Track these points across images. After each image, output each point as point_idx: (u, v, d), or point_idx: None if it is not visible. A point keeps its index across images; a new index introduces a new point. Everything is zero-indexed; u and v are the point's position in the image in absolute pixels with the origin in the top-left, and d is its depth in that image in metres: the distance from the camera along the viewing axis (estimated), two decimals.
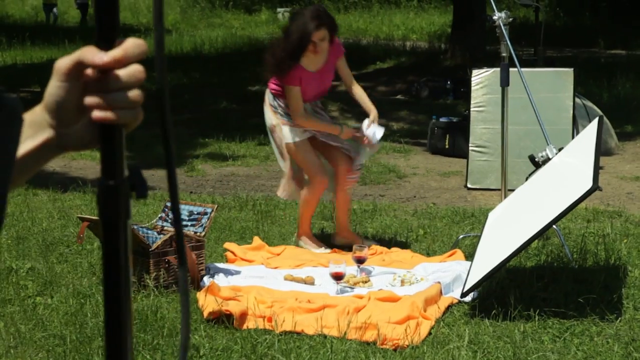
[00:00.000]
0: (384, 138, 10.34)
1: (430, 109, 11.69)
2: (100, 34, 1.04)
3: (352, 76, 6.00)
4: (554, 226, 5.50)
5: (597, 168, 4.50)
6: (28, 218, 6.43)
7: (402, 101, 13.25)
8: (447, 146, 9.42)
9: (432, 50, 18.41)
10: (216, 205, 5.26)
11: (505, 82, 5.84)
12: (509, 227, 5.04)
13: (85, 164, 9.04)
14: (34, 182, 7.80)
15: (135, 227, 4.88)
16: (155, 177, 8.25)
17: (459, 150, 9.01)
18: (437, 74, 14.34)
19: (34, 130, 1.14)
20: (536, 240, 5.69)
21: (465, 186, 7.98)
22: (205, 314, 4.38)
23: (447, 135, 9.44)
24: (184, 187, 8.05)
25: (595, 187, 4.32)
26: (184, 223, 5.17)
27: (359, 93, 6.00)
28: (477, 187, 7.92)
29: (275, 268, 5.44)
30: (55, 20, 27.29)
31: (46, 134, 1.13)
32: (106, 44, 1.04)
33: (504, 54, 5.83)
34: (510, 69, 5.94)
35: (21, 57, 18.85)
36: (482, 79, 7.98)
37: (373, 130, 5.73)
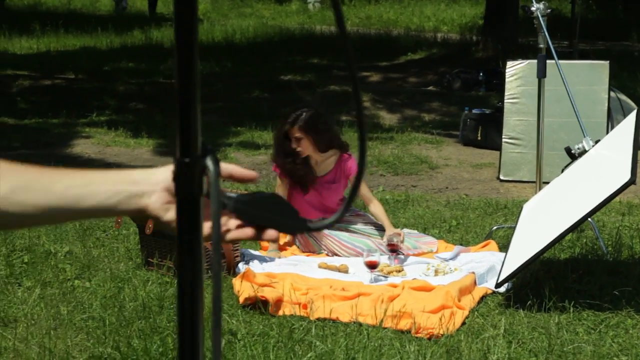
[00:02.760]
0: (416, 129, 10.40)
1: (462, 101, 11.67)
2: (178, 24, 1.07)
3: (371, 194, 5.83)
4: (588, 219, 5.49)
5: (635, 161, 4.49)
6: None
7: (434, 92, 13.22)
8: (479, 138, 9.40)
9: (463, 42, 18.33)
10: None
11: (542, 73, 5.83)
12: (544, 219, 5.04)
13: (120, 150, 9.12)
14: (69, 167, 7.88)
15: None
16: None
17: (492, 142, 8.99)
18: (468, 65, 14.29)
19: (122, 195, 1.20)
20: (570, 233, 5.68)
21: (498, 178, 7.97)
22: (241, 299, 4.42)
23: (480, 127, 9.42)
24: None
25: (632, 180, 4.31)
26: None
27: (376, 212, 5.69)
28: (510, 179, 7.91)
29: (309, 255, 5.48)
30: (123, 11, 27.27)
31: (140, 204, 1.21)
32: (185, 33, 1.07)
33: (541, 46, 5.80)
34: (548, 62, 5.92)
35: (55, 45, 18.98)
36: (516, 70, 7.95)
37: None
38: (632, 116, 5.10)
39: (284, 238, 5.74)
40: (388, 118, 11.40)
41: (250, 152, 9.10)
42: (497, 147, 8.18)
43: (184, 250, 1.11)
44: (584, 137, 5.42)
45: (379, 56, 16.95)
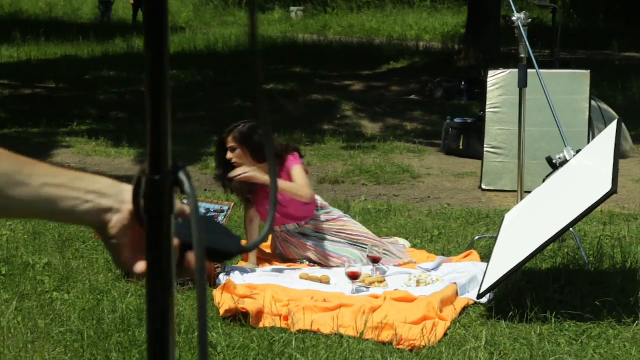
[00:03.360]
0: (399, 138, 10.40)
1: (444, 110, 11.69)
2: (148, 34, 1.05)
3: (305, 186, 5.43)
4: (570, 229, 5.49)
5: (616, 171, 4.49)
6: None
7: (416, 101, 13.25)
8: (461, 147, 9.41)
9: (445, 51, 18.39)
10: (233, 203, 5.26)
11: (523, 83, 5.83)
12: (525, 229, 5.03)
13: (101, 160, 9.07)
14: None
15: None
16: None
17: (474, 151, 8.99)
18: (450, 74, 14.34)
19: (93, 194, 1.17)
20: (552, 243, 5.68)
21: (480, 187, 7.97)
22: (222, 311, 4.39)
23: (462, 136, 9.43)
24: (198, 184, 8.05)
25: (614, 190, 4.30)
26: None
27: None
28: (492, 188, 7.91)
29: (290, 266, 5.45)
30: (108, 19, 27.08)
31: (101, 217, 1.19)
32: (155, 46, 1.05)
33: (522, 55, 5.81)
34: (527, 71, 5.92)
35: (35, 53, 18.89)
36: (498, 79, 7.96)
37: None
38: (612, 126, 5.10)
39: (267, 248, 5.71)
40: (370, 127, 11.40)
41: None
42: (479, 156, 8.18)
43: (153, 271, 1.08)
44: (565, 146, 5.42)
45: (361, 65, 16.99)
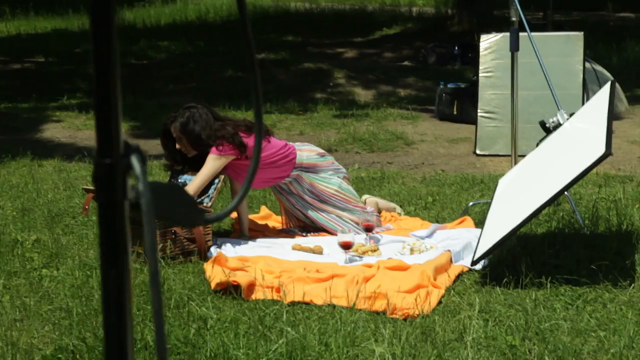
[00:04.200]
0: (392, 105, 10.30)
1: (437, 75, 11.59)
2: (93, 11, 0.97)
3: (197, 177, 5.24)
4: (565, 192, 5.43)
5: (609, 133, 4.42)
6: (33, 189, 6.37)
7: (409, 67, 13.13)
8: (455, 112, 9.33)
9: (438, 16, 18.23)
10: (222, 176, 5.18)
11: (515, 46, 5.74)
12: (519, 194, 4.97)
13: (91, 134, 8.96)
14: (39, 152, 7.75)
15: None
16: (161, 146, 8.16)
17: (467, 116, 8.92)
18: (444, 39, 14.21)
19: None
20: (546, 207, 5.62)
21: (474, 152, 7.90)
22: (213, 285, 4.33)
23: (455, 102, 9.34)
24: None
25: (608, 153, 4.24)
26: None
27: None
28: (486, 153, 7.84)
29: (283, 237, 5.40)
30: None
31: None
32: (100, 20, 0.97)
33: (513, 19, 5.72)
34: (520, 34, 5.83)
35: (25, 28, 18.72)
36: (490, 44, 7.87)
37: None
38: (606, 87, 5.03)
39: (260, 219, 5.64)
40: (363, 94, 11.30)
41: None
42: (473, 121, 8.11)
43: (108, 259, 1.01)
44: (559, 110, 5.34)
45: (354, 32, 16.84)
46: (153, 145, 8.37)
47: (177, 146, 5.28)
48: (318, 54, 14.58)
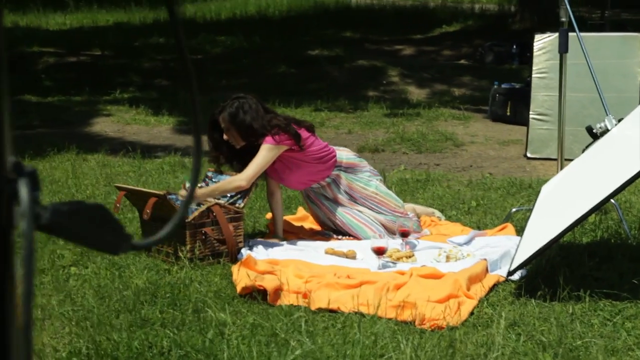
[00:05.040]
0: (444, 104, 10.11)
1: (494, 75, 11.36)
2: None
3: (250, 167, 5.11)
4: (612, 200, 5.22)
5: None
6: (73, 184, 6.36)
7: (465, 66, 12.91)
8: (508, 113, 9.11)
9: (501, 13, 17.93)
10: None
11: (563, 48, 5.55)
12: (561, 202, 4.78)
13: (139, 128, 8.98)
14: (85, 146, 7.76)
15: (172, 197, 4.76)
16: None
17: (521, 117, 8.70)
18: (505, 38, 13.94)
19: None
20: (594, 215, 5.42)
21: (525, 155, 7.69)
22: (239, 289, 4.23)
23: (509, 102, 9.13)
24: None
25: None
26: (224, 194, 5.03)
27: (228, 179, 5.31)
28: (537, 156, 7.63)
29: (318, 239, 5.29)
30: None
31: None
32: None
33: (563, 19, 5.52)
34: (572, 34, 5.63)
35: (87, 20, 18.92)
36: (544, 43, 7.66)
37: None
38: None
39: (296, 221, 5.54)
40: (416, 93, 11.13)
41: None
42: (526, 123, 7.90)
43: None
44: (607, 115, 5.13)
45: (414, 29, 16.64)
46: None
47: (225, 137, 5.18)
48: (375, 50, 14.43)
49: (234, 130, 5.10)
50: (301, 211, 5.77)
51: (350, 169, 5.38)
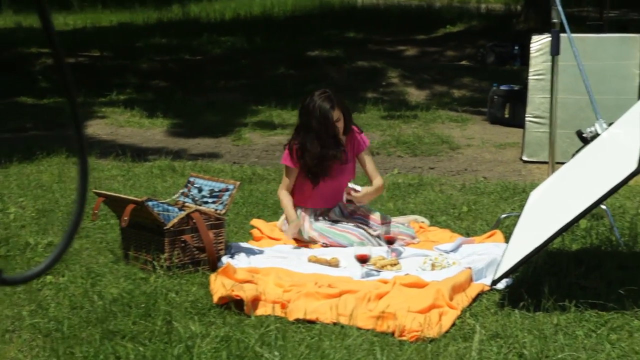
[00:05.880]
0: (443, 106, 9.99)
1: (494, 76, 11.23)
2: None
3: (377, 171, 5.39)
4: (602, 206, 5.11)
5: None
6: (58, 189, 6.27)
7: (467, 67, 12.78)
8: (506, 115, 8.99)
9: (507, 14, 17.78)
10: (238, 182, 4.99)
11: (555, 50, 5.42)
12: (550, 208, 4.67)
13: (133, 131, 8.89)
14: (75, 149, 7.68)
15: (150, 203, 4.66)
16: (200, 145, 8.05)
17: (519, 119, 8.56)
18: (508, 38, 13.80)
19: None
20: (585, 221, 5.30)
21: (521, 159, 7.57)
22: (215, 299, 4.13)
23: (507, 104, 9.00)
24: (229, 156, 7.83)
25: (638, 171, 3.92)
26: (205, 200, 4.94)
27: (375, 183, 5.33)
28: (534, 160, 7.51)
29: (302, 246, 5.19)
30: None
31: None
32: None
33: (555, 20, 5.40)
34: (574, 35, 5.52)
35: (92, 21, 18.86)
36: (542, 45, 7.53)
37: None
38: None
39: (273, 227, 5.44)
40: (416, 95, 11.02)
41: (265, 132, 8.81)
42: (524, 125, 7.78)
43: None
44: (597, 119, 5.01)
45: (418, 29, 16.50)
46: (193, 145, 8.27)
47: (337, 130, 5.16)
48: (378, 51, 14.31)
49: (346, 117, 5.17)
50: None
51: None
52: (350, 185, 5.10)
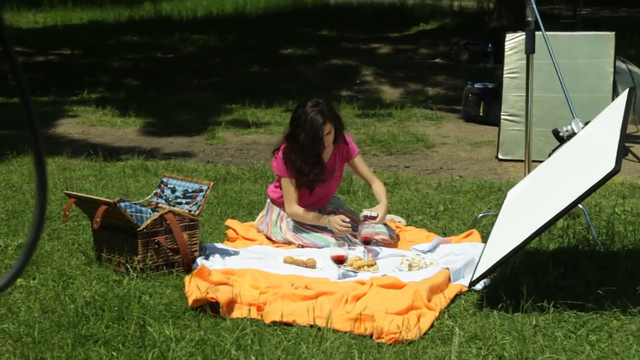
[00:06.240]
0: (417, 104, 9.96)
1: (469, 74, 11.21)
2: None
3: (372, 173, 5.35)
4: (579, 205, 5.08)
5: (621, 147, 4.07)
6: (29, 189, 6.16)
7: (441, 65, 12.76)
8: (481, 113, 8.97)
9: (479, 11, 17.81)
10: (212, 183, 4.91)
11: (530, 48, 5.39)
12: (526, 209, 4.64)
13: (105, 130, 8.78)
14: (45, 149, 7.56)
15: (123, 204, 4.57)
16: (174, 144, 7.96)
17: (494, 118, 8.56)
18: (481, 36, 13.81)
19: None
20: (562, 220, 5.28)
21: (496, 157, 7.55)
22: (190, 301, 4.06)
23: (482, 102, 8.99)
24: (202, 155, 7.74)
25: (617, 170, 3.89)
26: (179, 201, 4.86)
27: (378, 190, 5.23)
28: (509, 158, 7.50)
29: (278, 246, 5.13)
30: None
31: None
32: None
33: (529, 18, 5.37)
34: (548, 33, 5.48)
35: (62, 19, 18.66)
36: (516, 43, 7.52)
37: (370, 230, 4.94)
38: (623, 95, 4.66)
39: (251, 227, 5.38)
40: (390, 93, 10.97)
41: (239, 131, 8.73)
42: (500, 123, 7.77)
43: None
44: (573, 118, 4.99)
45: (391, 27, 16.48)
46: (166, 144, 8.17)
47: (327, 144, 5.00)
48: (351, 49, 14.26)
49: (337, 130, 5.05)
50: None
51: None
52: (365, 212, 4.99)
